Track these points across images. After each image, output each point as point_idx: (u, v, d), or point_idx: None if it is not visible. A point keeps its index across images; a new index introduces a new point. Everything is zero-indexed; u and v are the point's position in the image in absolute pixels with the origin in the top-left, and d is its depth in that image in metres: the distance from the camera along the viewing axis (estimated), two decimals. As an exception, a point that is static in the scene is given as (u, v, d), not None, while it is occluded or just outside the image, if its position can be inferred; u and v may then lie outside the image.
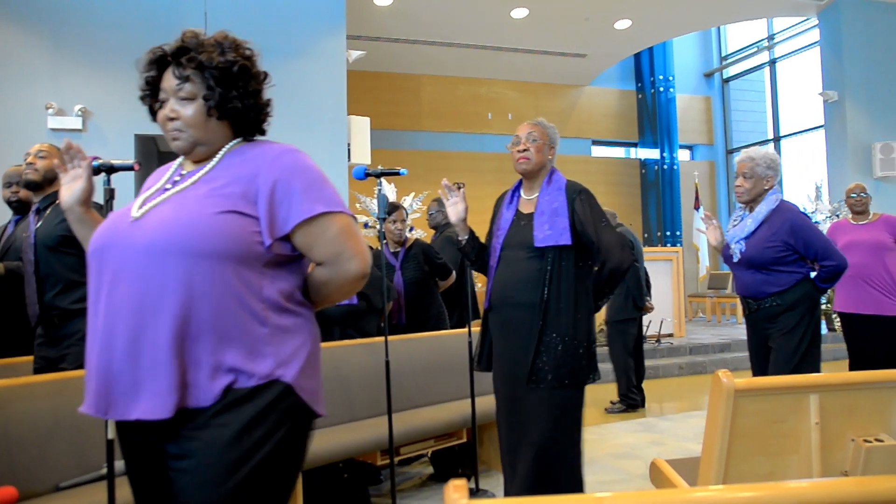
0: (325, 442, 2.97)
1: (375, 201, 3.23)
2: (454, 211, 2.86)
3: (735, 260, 3.30)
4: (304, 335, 1.46)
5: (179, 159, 1.58)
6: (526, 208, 2.77)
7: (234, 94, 1.50)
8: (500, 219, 2.82)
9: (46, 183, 3.13)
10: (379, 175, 3.11)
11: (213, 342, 1.34)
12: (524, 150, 2.72)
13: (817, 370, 3.14)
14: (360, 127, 7.82)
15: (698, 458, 1.87)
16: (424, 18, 9.61)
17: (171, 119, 1.49)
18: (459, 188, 2.88)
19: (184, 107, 1.48)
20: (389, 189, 8.42)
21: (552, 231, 2.60)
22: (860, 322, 4.45)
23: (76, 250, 2.98)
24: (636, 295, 5.77)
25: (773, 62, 12.76)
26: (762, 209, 3.23)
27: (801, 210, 3.33)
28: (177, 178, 1.52)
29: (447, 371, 3.92)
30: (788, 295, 3.16)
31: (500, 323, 2.71)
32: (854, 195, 4.63)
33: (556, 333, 2.55)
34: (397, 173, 3.15)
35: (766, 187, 3.25)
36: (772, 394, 1.75)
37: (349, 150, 7.60)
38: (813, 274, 3.23)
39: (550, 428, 2.55)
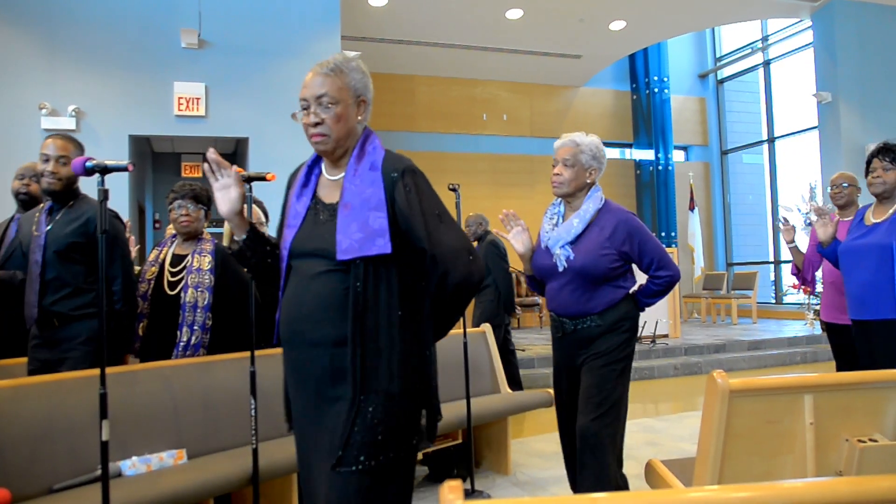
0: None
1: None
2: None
3: (560, 269, 2.68)
4: None
5: None
6: (328, 194, 1.88)
7: None
8: (290, 210, 1.93)
9: (67, 189, 3.02)
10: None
11: None
12: (317, 125, 1.82)
13: (625, 395, 2.69)
14: (356, 128, 7.82)
15: (693, 458, 1.88)
16: (419, 19, 9.61)
17: None
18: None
19: None
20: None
21: (362, 234, 1.74)
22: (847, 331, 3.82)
23: (84, 257, 2.96)
24: (507, 300, 5.73)
25: (767, 63, 12.80)
26: (589, 207, 2.71)
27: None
28: None
29: (442, 373, 3.91)
30: (610, 314, 2.67)
31: (290, 368, 1.89)
32: (834, 187, 3.91)
33: (370, 390, 1.72)
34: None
35: (589, 181, 2.75)
36: (767, 394, 1.75)
37: (344, 150, 7.59)
38: (635, 287, 2.78)
39: None
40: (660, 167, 12.78)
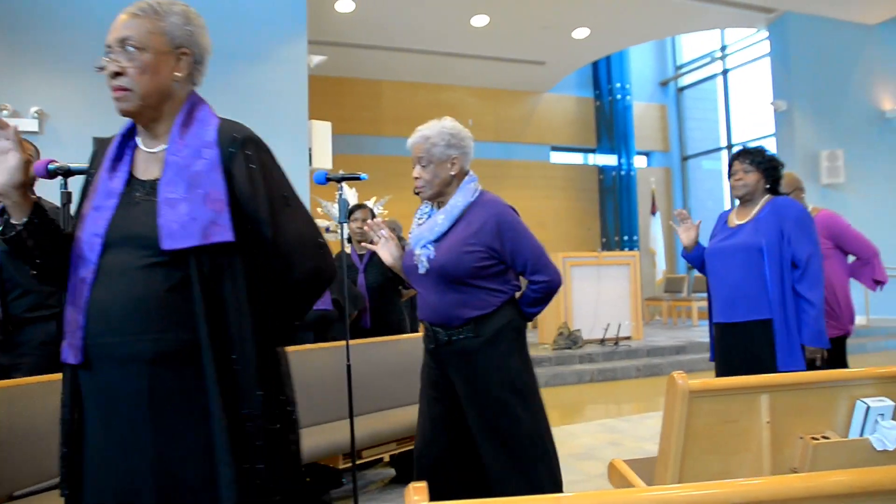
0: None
1: (336, 206, 3.24)
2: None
3: (421, 271, 2.37)
4: None
5: None
6: (145, 170, 1.49)
7: None
8: (97, 188, 1.50)
9: None
10: (340, 180, 3.12)
11: None
12: (117, 76, 1.45)
13: (544, 419, 2.39)
14: (322, 132, 7.81)
15: (655, 457, 1.91)
16: (386, 25, 9.62)
17: None
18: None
19: None
20: (351, 193, 8.40)
21: (193, 217, 1.37)
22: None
23: None
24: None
25: (725, 72, 13.07)
26: (457, 202, 2.38)
27: None
28: None
29: (409, 374, 3.93)
30: (486, 323, 2.31)
31: (91, 397, 1.43)
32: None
33: (228, 416, 1.36)
34: (358, 178, 3.17)
35: (453, 172, 2.41)
36: (725, 394, 1.80)
37: (311, 154, 7.57)
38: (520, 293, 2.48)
39: None
40: (622, 172, 12.96)
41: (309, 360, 3.56)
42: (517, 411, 2.28)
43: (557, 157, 13.22)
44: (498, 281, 2.35)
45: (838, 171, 9.94)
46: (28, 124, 6.43)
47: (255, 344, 1.41)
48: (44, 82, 6.59)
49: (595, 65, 13.03)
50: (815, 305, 2.90)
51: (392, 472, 4.00)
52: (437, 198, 2.44)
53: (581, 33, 10.40)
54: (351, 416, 3.01)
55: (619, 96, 13.03)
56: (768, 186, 3.12)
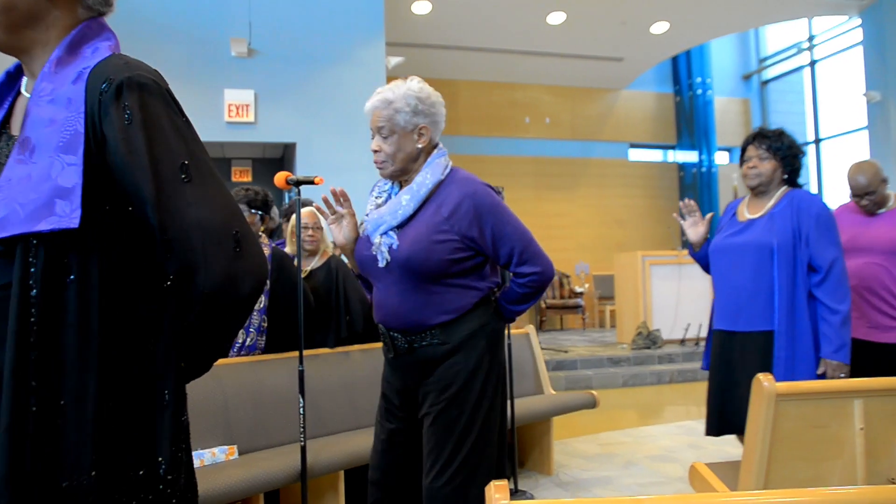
0: (355, 446, 3.01)
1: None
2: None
3: (381, 264, 1.93)
4: None
5: None
6: (17, 122, 1.13)
7: None
8: None
9: None
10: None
11: None
12: None
13: (487, 447, 1.95)
14: (399, 132, 7.92)
15: (738, 462, 1.88)
16: (461, 25, 9.67)
17: None
18: None
19: None
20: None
21: (36, 194, 0.98)
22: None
23: None
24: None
25: (813, 63, 12.54)
26: (425, 179, 1.94)
27: None
28: None
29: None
30: (457, 327, 1.91)
31: None
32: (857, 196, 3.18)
33: (43, 484, 0.96)
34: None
35: (420, 144, 1.97)
36: (814, 398, 1.75)
37: (387, 154, 7.69)
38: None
39: None
40: (703, 169, 12.62)
41: (363, 361, 3.62)
42: (464, 436, 1.89)
43: (636, 155, 12.97)
44: (473, 277, 1.94)
45: (938, 166, 9.39)
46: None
47: (99, 382, 0.98)
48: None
49: (675, 59, 12.72)
50: (838, 314, 2.50)
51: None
52: (401, 175, 2.00)
53: (660, 28, 10.17)
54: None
55: (699, 91, 12.69)
56: (786, 177, 2.72)
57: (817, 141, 12.35)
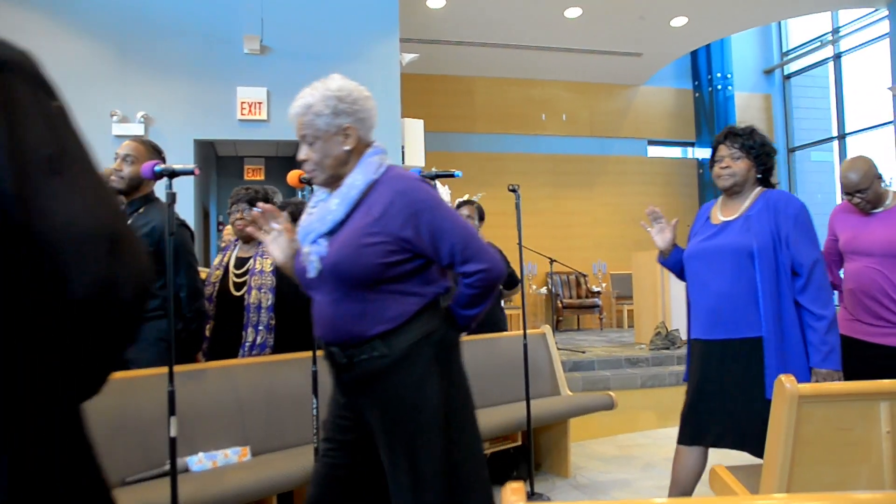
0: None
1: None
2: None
3: (311, 274, 1.82)
4: None
5: None
6: None
7: None
8: None
9: (132, 189, 2.97)
10: (434, 177, 3.14)
11: None
12: None
13: (472, 454, 1.83)
14: (414, 129, 7.89)
15: (760, 465, 1.83)
16: (477, 20, 9.62)
17: None
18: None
19: None
20: (444, 191, 8.46)
21: None
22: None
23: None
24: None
25: (837, 56, 12.33)
26: (355, 180, 1.83)
27: None
28: None
29: (502, 374, 3.91)
30: (398, 337, 1.76)
31: None
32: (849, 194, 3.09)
33: None
34: (451, 175, 3.18)
35: (347, 146, 1.84)
36: (838, 400, 1.70)
37: (403, 152, 7.68)
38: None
39: None
40: (723, 166, 12.47)
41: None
42: (434, 447, 1.74)
43: (655, 152, 12.85)
44: (414, 281, 1.79)
45: (966, 161, 9.21)
46: (135, 128, 6.84)
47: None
48: (149, 88, 7.00)
49: (694, 54, 12.58)
50: (824, 320, 2.42)
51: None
52: (335, 182, 1.86)
53: (679, 22, 10.05)
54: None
55: (719, 87, 12.53)
56: (759, 176, 2.66)
57: (841, 136, 12.16)
